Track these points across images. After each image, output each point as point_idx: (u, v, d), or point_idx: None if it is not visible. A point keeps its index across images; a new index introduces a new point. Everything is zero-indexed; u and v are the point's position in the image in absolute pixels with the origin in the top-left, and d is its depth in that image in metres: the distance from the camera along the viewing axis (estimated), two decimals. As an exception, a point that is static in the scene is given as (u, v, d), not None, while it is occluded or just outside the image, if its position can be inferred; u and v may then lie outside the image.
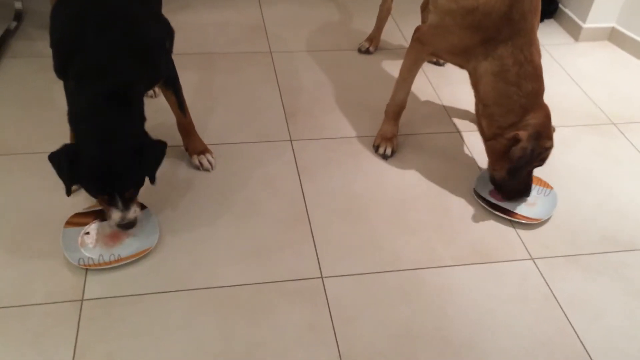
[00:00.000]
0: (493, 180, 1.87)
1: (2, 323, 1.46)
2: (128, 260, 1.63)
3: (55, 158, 1.53)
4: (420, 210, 1.88)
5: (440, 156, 2.09)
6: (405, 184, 1.97)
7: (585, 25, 2.85)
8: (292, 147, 2.09)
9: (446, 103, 2.37)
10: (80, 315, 1.50)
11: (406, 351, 1.48)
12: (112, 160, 1.50)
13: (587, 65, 2.70)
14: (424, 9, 2.44)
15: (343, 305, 1.57)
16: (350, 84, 2.44)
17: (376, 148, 2.09)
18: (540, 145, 1.75)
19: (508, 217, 1.84)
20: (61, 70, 1.59)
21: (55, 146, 1.51)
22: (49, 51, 1.62)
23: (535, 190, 1.93)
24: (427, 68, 2.56)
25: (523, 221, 1.83)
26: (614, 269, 1.73)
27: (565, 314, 1.59)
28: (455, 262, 1.72)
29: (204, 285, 1.60)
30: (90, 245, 1.66)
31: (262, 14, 2.90)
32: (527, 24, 1.68)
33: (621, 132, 2.28)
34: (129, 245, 1.67)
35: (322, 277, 1.65)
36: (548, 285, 1.67)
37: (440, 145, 2.14)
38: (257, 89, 2.36)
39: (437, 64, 2.60)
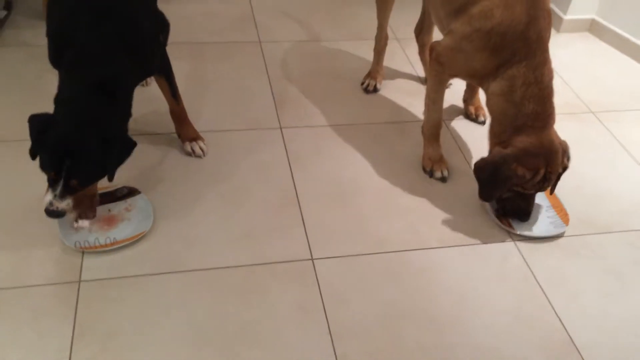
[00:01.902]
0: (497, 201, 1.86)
1: (1, 304, 1.50)
2: (123, 243, 1.67)
3: (31, 121, 1.56)
4: (406, 195, 1.94)
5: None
6: (391, 172, 2.03)
7: (566, 17, 2.93)
8: (282, 134, 2.14)
9: (431, 92, 2.43)
10: (78, 296, 1.54)
11: (394, 328, 1.54)
12: (75, 139, 1.51)
13: (567, 56, 2.78)
14: (419, 33, 2.40)
15: (332, 286, 1.64)
16: (338, 73, 2.49)
17: (430, 173, 2.01)
18: (509, 168, 1.70)
19: (497, 221, 1.84)
20: (56, 60, 1.63)
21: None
22: (38, 40, 1.66)
23: (551, 218, 1.87)
24: (408, 52, 2.62)
25: (510, 230, 1.83)
26: (591, 250, 1.81)
27: (544, 293, 1.67)
28: (440, 244, 1.79)
29: (198, 267, 1.65)
30: (86, 229, 1.71)
31: (250, 3, 2.93)
32: (543, 43, 1.67)
33: (599, 120, 2.36)
34: (124, 229, 1.72)
35: (312, 259, 1.70)
36: (528, 266, 1.74)
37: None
38: (246, 78, 2.41)
39: None
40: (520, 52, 1.65)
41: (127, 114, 1.64)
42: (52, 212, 1.55)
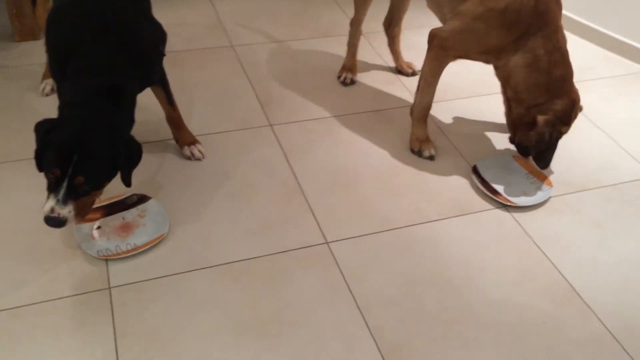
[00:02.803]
0: (519, 146, 2.05)
1: (38, 318, 1.53)
2: (144, 248, 1.72)
3: (38, 126, 1.55)
4: (402, 175, 2.07)
5: (407, 128, 2.28)
6: (384, 155, 2.16)
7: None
8: (274, 131, 2.23)
9: (405, 80, 2.58)
10: (111, 301, 1.58)
11: (415, 294, 1.67)
12: (83, 139, 1.50)
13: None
14: (388, 26, 2.51)
15: (350, 264, 1.74)
16: (314, 69, 2.60)
17: (419, 153, 2.14)
18: (557, 130, 1.94)
19: (494, 197, 1.98)
20: (59, 72, 1.65)
21: (30, 152, 1.55)
22: (12, 61, 1.66)
23: (535, 184, 2.04)
24: (375, 44, 2.76)
25: (506, 203, 1.97)
26: (573, 207, 2.00)
27: (540, 249, 1.84)
28: (440, 217, 1.92)
29: (220, 261, 1.72)
30: (105, 238, 1.74)
31: (216, 10, 3.00)
32: (552, 13, 1.84)
33: (558, 93, 2.58)
34: (142, 234, 1.76)
35: (327, 243, 1.80)
36: (521, 227, 1.91)
37: (408, 119, 2.33)
38: (227, 82, 2.48)
39: (405, 74, 2.62)
40: (534, 25, 1.82)
41: (132, 120, 1.69)
42: (53, 220, 1.48)
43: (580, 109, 2.02)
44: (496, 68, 1.98)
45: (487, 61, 1.97)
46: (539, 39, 1.84)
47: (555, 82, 1.90)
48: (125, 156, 1.60)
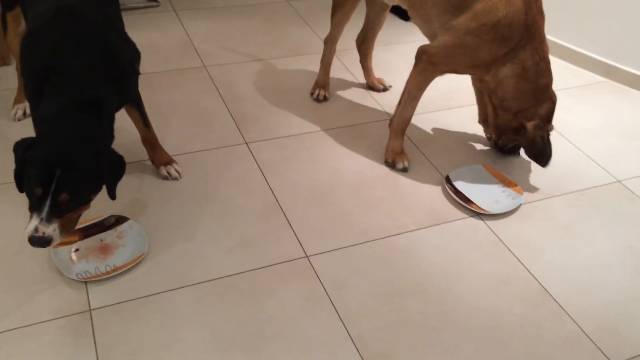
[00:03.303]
0: (498, 147, 2.26)
1: (19, 343, 1.50)
2: (124, 269, 1.71)
3: (17, 146, 1.52)
4: (377, 188, 2.11)
5: (383, 142, 2.33)
6: (359, 169, 2.20)
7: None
8: (250, 149, 2.25)
9: (376, 95, 2.64)
10: (92, 323, 1.57)
11: (396, 304, 1.70)
12: (65, 154, 1.46)
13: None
14: (361, 43, 2.56)
15: (331, 276, 1.77)
16: (286, 87, 2.64)
17: (392, 164, 2.20)
18: (545, 130, 2.06)
19: (468, 205, 2.04)
20: (35, 94, 1.64)
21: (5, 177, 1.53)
22: None
23: (506, 192, 2.11)
24: (345, 62, 2.82)
25: (479, 211, 2.03)
26: (542, 213, 2.06)
27: (514, 254, 1.89)
28: (417, 227, 1.97)
29: (203, 279, 1.72)
30: (84, 260, 1.73)
31: (186, 32, 3.02)
32: (538, 25, 1.92)
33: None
34: (121, 255, 1.76)
35: (307, 256, 1.83)
36: (495, 234, 1.96)
37: (380, 133, 2.39)
38: (201, 102, 2.50)
39: (377, 90, 2.67)
40: (524, 38, 1.90)
41: (112, 136, 1.68)
42: (38, 240, 1.44)
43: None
44: (482, 80, 2.05)
45: (476, 74, 2.05)
46: (528, 51, 1.93)
47: (540, 90, 2.01)
48: (109, 168, 1.57)
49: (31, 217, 1.47)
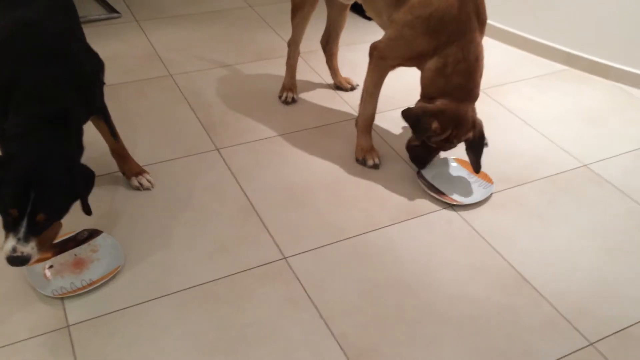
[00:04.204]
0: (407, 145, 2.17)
1: (-5, 364, 1.47)
2: (101, 282, 1.69)
3: None
4: (351, 185, 2.13)
5: (354, 140, 2.34)
6: (332, 168, 2.21)
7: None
8: (221, 154, 2.24)
9: (344, 95, 2.66)
10: (71, 339, 1.55)
11: (376, 300, 1.71)
12: (38, 172, 1.45)
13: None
14: (326, 44, 2.57)
15: (311, 277, 1.77)
16: (253, 91, 2.64)
17: (363, 162, 2.21)
18: (427, 121, 1.97)
19: (441, 198, 2.07)
20: (1, 111, 1.62)
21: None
22: None
23: (477, 182, 2.15)
24: (312, 63, 2.83)
25: (452, 203, 2.06)
26: (513, 201, 2.10)
27: (488, 243, 1.92)
28: (392, 222, 1.98)
29: (181, 287, 1.71)
30: (59, 276, 1.70)
31: (150, 42, 3.00)
32: (471, 24, 1.92)
33: (488, 95, 2.72)
34: (97, 268, 1.73)
35: (285, 258, 1.83)
36: (469, 224, 1.99)
37: (350, 132, 2.40)
38: (169, 110, 2.48)
39: (344, 89, 2.69)
40: (454, 34, 1.90)
41: (81, 148, 1.66)
42: (17, 259, 1.43)
43: (469, 137, 2.04)
44: (421, 73, 2.07)
45: (415, 65, 2.05)
46: (454, 47, 1.92)
47: (451, 88, 1.96)
48: (83, 183, 1.57)
49: (7, 236, 1.46)
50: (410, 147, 2.16)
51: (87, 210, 1.61)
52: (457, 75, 1.94)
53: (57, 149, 1.52)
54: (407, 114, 2.04)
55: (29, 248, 1.45)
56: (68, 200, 1.54)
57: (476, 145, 2.07)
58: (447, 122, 1.99)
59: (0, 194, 1.45)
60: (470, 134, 2.04)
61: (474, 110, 2.03)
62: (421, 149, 2.12)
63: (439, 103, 1.98)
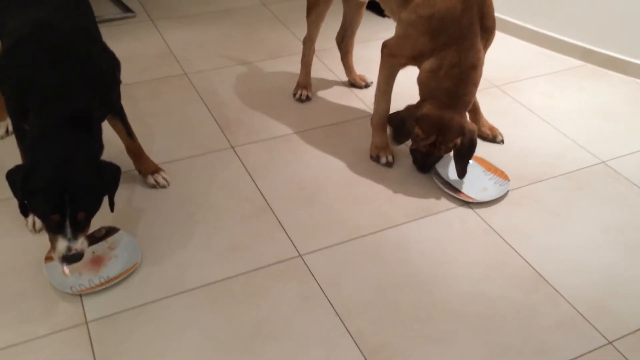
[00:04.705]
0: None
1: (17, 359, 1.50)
2: (118, 279, 1.71)
3: (11, 175, 1.54)
4: (366, 183, 2.13)
5: (368, 138, 2.34)
6: (346, 166, 2.21)
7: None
8: (236, 152, 2.25)
9: (359, 92, 2.65)
10: (89, 335, 1.57)
11: (390, 297, 1.71)
12: (69, 175, 1.50)
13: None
14: (341, 41, 2.58)
15: (326, 274, 1.77)
16: (268, 90, 2.64)
17: (377, 159, 2.21)
18: (411, 124, 2.00)
19: (457, 195, 2.06)
20: (18, 110, 1.64)
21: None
22: None
23: (493, 180, 2.13)
24: (326, 61, 2.83)
25: (468, 200, 2.05)
26: (529, 198, 2.09)
27: (505, 240, 1.91)
28: (407, 220, 1.98)
29: (196, 285, 1.72)
30: (77, 273, 1.72)
31: (165, 41, 3.02)
32: (473, 29, 1.90)
33: (503, 92, 2.70)
34: (114, 266, 1.75)
35: (300, 255, 1.83)
36: (485, 221, 1.98)
37: (365, 129, 2.40)
38: (185, 109, 2.49)
39: (359, 87, 2.67)
40: (454, 37, 1.89)
41: (101, 146, 1.70)
42: (73, 257, 1.53)
43: (456, 144, 2.02)
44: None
45: (416, 65, 2.04)
46: (452, 50, 1.91)
47: (438, 91, 1.96)
48: (111, 180, 1.63)
49: (56, 238, 1.53)
50: (410, 151, 2.17)
51: (112, 207, 1.66)
52: (448, 80, 1.94)
53: (82, 150, 1.57)
54: (393, 117, 2.08)
55: (79, 244, 1.54)
56: (100, 196, 1.60)
57: (464, 152, 2.05)
58: (429, 127, 1.99)
59: (35, 202, 1.51)
60: (458, 140, 2.02)
61: (462, 117, 2.02)
62: (419, 153, 2.12)
63: (425, 107, 1.99)
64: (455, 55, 1.91)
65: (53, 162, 1.51)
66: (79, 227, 1.54)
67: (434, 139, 2.01)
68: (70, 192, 1.49)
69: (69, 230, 1.51)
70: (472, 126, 2.04)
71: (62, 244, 1.52)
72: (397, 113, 2.08)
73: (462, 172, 2.08)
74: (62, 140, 1.54)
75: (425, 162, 2.13)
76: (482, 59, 1.97)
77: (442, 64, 1.93)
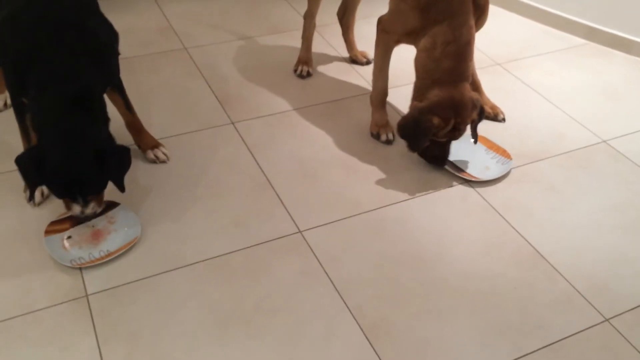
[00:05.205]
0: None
1: (18, 332, 1.50)
2: (118, 253, 1.71)
3: (22, 162, 1.61)
4: (366, 160, 2.12)
5: (369, 114, 2.33)
6: (345, 143, 2.20)
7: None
8: (236, 128, 2.24)
9: (360, 69, 2.63)
10: (90, 308, 1.57)
11: (390, 274, 1.71)
12: (75, 168, 1.60)
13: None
14: (342, 16, 2.55)
15: (326, 250, 1.78)
16: (268, 65, 2.62)
17: (377, 136, 2.19)
18: (427, 119, 1.90)
19: (459, 174, 2.05)
20: (17, 84, 1.63)
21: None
22: None
23: (495, 158, 2.12)
24: (327, 37, 2.80)
25: (470, 179, 2.04)
26: (530, 177, 2.08)
27: (504, 219, 1.91)
28: (407, 197, 1.98)
29: (197, 259, 1.73)
30: (77, 247, 1.72)
31: (164, 14, 2.98)
32: (465, 6, 1.87)
33: (506, 70, 2.68)
34: (114, 240, 1.76)
35: (300, 231, 1.83)
36: (485, 200, 1.98)
37: (365, 106, 2.38)
38: (184, 84, 2.48)
39: (360, 63, 2.66)
40: (445, 12, 1.86)
41: (106, 119, 1.71)
42: (85, 217, 1.71)
43: (474, 118, 1.98)
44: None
45: (411, 44, 2.00)
46: (445, 27, 1.86)
47: (439, 73, 1.90)
48: (116, 167, 1.70)
49: (71, 204, 1.68)
50: (422, 151, 2.06)
51: (121, 189, 1.73)
52: (446, 58, 1.89)
53: (85, 134, 1.61)
54: (404, 122, 1.96)
55: (90, 208, 1.69)
56: (107, 178, 1.70)
57: (477, 121, 2.03)
58: (446, 112, 1.92)
59: (47, 187, 1.71)
60: (475, 114, 1.99)
61: (469, 90, 1.98)
62: (433, 147, 2.02)
63: (432, 96, 1.92)
64: (449, 31, 1.86)
65: (59, 154, 1.58)
66: (90, 199, 1.67)
67: (453, 122, 1.94)
68: (77, 182, 1.62)
69: (80, 200, 1.65)
70: (475, 94, 2.00)
71: (75, 208, 1.67)
72: (405, 117, 1.97)
73: (475, 135, 2.06)
74: (67, 124, 1.59)
75: (444, 153, 2.04)
76: (474, 35, 1.93)
77: (435, 42, 1.88)
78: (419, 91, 1.98)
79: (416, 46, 1.99)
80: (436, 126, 1.91)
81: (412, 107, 1.98)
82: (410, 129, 1.95)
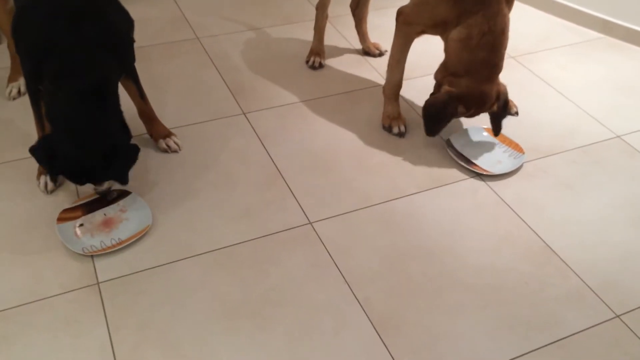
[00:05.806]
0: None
1: (29, 318, 1.52)
2: (130, 241, 1.72)
3: (36, 152, 1.66)
4: (378, 153, 2.11)
5: (381, 107, 2.32)
6: (358, 134, 2.19)
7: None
8: (248, 119, 2.24)
9: (372, 61, 2.62)
10: (101, 296, 1.59)
11: (400, 267, 1.71)
12: (85, 161, 1.64)
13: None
14: (355, 7, 2.53)
15: (335, 242, 1.78)
16: (281, 56, 2.61)
17: (389, 129, 2.19)
18: (454, 107, 1.94)
19: (470, 167, 2.04)
20: (34, 72, 1.63)
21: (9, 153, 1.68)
22: None
23: (508, 152, 2.11)
24: (340, 28, 2.79)
25: (482, 172, 2.03)
26: (542, 171, 2.07)
27: (516, 213, 1.90)
28: (418, 190, 1.97)
29: (207, 249, 1.73)
30: (89, 235, 1.74)
31: (177, 4, 2.98)
32: None
33: (520, 63, 2.65)
34: (126, 228, 1.76)
35: (310, 223, 1.83)
36: (496, 193, 1.97)
37: (378, 98, 2.37)
38: (197, 74, 2.48)
39: (372, 55, 2.65)
40: (479, 2, 1.83)
41: (119, 110, 1.72)
42: (102, 193, 1.80)
43: (493, 110, 2.02)
44: (444, 42, 2.00)
45: (438, 34, 1.99)
46: (479, 17, 1.84)
47: (476, 63, 1.90)
48: (122, 163, 1.73)
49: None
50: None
51: (124, 182, 1.77)
52: (482, 49, 1.88)
53: (98, 127, 1.64)
54: (433, 102, 1.98)
55: (105, 185, 1.77)
56: (111, 173, 1.73)
57: (499, 113, 2.04)
58: (472, 103, 1.97)
59: (64, 175, 1.74)
60: (495, 106, 2.01)
61: (499, 83, 1.99)
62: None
63: (464, 86, 1.93)
64: (484, 22, 1.84)
65: (71, 148, 1.61)
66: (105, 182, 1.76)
67: (472, 112, 1.99)
68: (88, 173, 1.68)
69: (96, 183, 1.75)
70: (503, 87, 2.01)
71: (91, 186, 1.77)
72: (435, 98, 1.98)
73: (497, 130, 2.08)
74: (81, 118, 1.61)
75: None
76: (508, 24, 1.92)
77: (471, 33, 1.86)
78: (448, 71, 1.98)
79: (444, 37, 1.97)
80: (460, 113, 1.97)
81: (443, 91, 1.98)
82: (436, 110, 1.98)
